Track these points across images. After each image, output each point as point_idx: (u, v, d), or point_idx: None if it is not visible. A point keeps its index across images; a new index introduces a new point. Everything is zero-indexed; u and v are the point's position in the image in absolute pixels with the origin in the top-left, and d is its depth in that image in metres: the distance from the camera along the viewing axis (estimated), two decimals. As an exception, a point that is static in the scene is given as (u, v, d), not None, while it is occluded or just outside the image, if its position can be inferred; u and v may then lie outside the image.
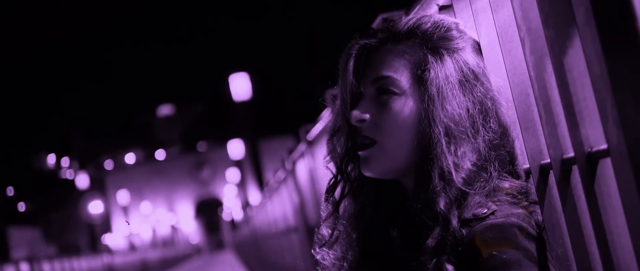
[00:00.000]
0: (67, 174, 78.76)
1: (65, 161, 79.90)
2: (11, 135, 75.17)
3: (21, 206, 71.27)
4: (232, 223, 60.38)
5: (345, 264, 1.44)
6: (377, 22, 2.01)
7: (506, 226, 1.20)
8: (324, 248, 1.45)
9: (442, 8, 1.57)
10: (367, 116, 1.35)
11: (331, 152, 1.43)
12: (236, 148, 50.17)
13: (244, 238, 23.59)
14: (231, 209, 64.54)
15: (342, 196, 1.43)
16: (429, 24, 1.36)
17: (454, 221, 1.23)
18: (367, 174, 1.37)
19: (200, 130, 75.71)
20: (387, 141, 1.33)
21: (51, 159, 78.80)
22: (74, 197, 70.16)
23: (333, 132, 1.43)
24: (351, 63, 1.39)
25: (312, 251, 1.47)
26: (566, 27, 1.13)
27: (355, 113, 1.35)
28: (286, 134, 60.28)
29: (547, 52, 1.18)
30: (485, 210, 1.22)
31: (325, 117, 3.58)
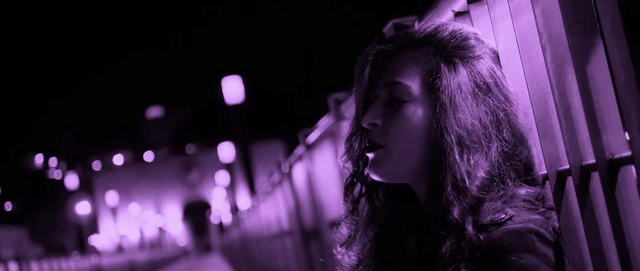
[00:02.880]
0: (55, 174, 78.42)
1: (53, 161, 79.58)
2: (-1, 135, 74.85)
3: (8, 206, 70.91)
4: (221, 226, 60.25)
5: (361, 268, 1.45)
6: (387, 28, 2.02)
7: (524, 231, 1.20)
8: (343, 249, 1.46)
9: (458, 14, 1.57)
10: (379, 121, 1.36)
11: (348, 151, 1.44)
12: (226, 151, 50.09)
13: (233, 241, 23.54)
14: (219, 212, 64.39)
15: (359, 195, 1.44)
16: (446, 33, 1.36)
17: (469, 228, 1.23)
18: (375, 178, 1.38)
19: (189, 132, 75.57)
20: (394, 147, 1.34)
21: (39, 159, 78.45)
22: (61, 197, 69.81)
23: (350, 134, 1.44)
24: (367, 67, 1.40)
25: (334, 250, 1.48)
26: (589, 35, 1.14)
27: (366, 117, 1.36)
28: (277, 138, 60.28)
29: (568, 59, 1.19)
30: (503, 216, 1.23)
31: (327, 121, 3.59)
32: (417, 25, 1.85)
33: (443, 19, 1.65)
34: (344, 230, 1.47)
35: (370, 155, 1.37)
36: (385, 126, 1.35)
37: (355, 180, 1.44)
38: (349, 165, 1.45)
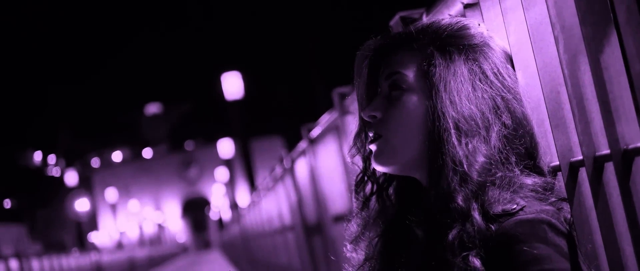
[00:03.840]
0: (54, 171, 78.44)
1: (51, 158, 79.59)
2: (-3, 132, 74.83)
3: (7, 203, 70.92)
4: (220, 222, 60.29)
5: (368, 264, 1.45)
6: (394, 21, 2.02)
7: (536, 221, 1.20)
8: (352, 245, 1.46)
9: (467, 6, 1.57)
10: (379, 113, 1.37)
11: (355, 147, 1.44)
12: (226, 147, 50.07)
13: (233, 237, 23.55)
14: (219, 208, 64.41)
15: (370, 194, 1.44)
16: (443, 23, 1.38)
17: (476, 215, 1.23)
18: (377, 168, 1.39)
19: (187, 129, 75.59)
20: (392, 136, 1.35)
21: (37, 156, 78.45)
22: (60, 194, 69.83)
23: (358, 131, 1.45)
24: (367, 62, 1.41)
25: (344, 247, 1.48)
26: (603, 25, 1.14)
27: (366, 110, 1.38)
28: (276, 134, 60.29)
29: (581, 49, 1.19)
30: (515, 206, 1.23)
31: (331, 116, 3.59)
32: (425, 18, 1.85)
33: (452, 11, 1.65)
34: (353, 227, 1.47)
35: (372, 147, 1.38)
36: (384, 117, 1.37)
37: (365, 177, 1.44)
38: (358, 161, 1.45)
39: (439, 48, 1.34)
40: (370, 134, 1.39)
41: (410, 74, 1.35)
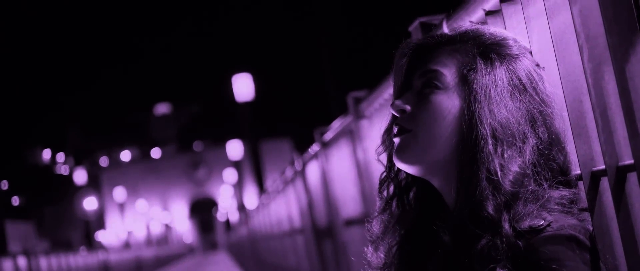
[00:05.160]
0: (62, 170, 78.66)
1: (60, 156, 79.83)
2: (7, 130, 75.11)
3: (15, 201, 71.16)
4: (227, 223, 60.34)
5: (386, 270, 1.44)
6: (414, 26, 2.01)
7: (563, 238, 1.18)
8: (372, 248, 1.46)
9: (489, 13, 1.57)
10: (408, 107, 1.35)
11: (383, 143, 1.44)
12: (234, 148, 50.08)
13: (240, 238, 23.57)
14: (226, 210, 64.45)
15: (392, 196, 1.43)
16: (485, 31, 1.37)
17: (506, 226, 1.22)
18: (399, 164, 1.36)
19: (196, 129, 75.74)
20: (420, 132, 1.33)
21: (46, 154, 78.71)
22: (68, 192, 70.00)
23: (388, 127, 1.44)
24: (404, 59, 1.40)
25: (365, 248, 1.47)
26: (629, 34, 1.13)
27: (397, 102, 1.36)
28: (284, 136, 60.33)
29: (606, 59, 1.19)
30: (542, 222, 1.20)
31: (345, 119, 3.58)
32: (445, 25, 1.85)
33: (473, 18, 1.65)
34: (375, 227, 1.46)
35: (396, 140, 1.36)
36: (414, 112, 1.35)
37: (389, 177, 1.43)
38: (384, 158, 1.44)
39: (482, 54, 1.33)
40: (396, 129, 1.36)
41: (447, 74, 1.34)
